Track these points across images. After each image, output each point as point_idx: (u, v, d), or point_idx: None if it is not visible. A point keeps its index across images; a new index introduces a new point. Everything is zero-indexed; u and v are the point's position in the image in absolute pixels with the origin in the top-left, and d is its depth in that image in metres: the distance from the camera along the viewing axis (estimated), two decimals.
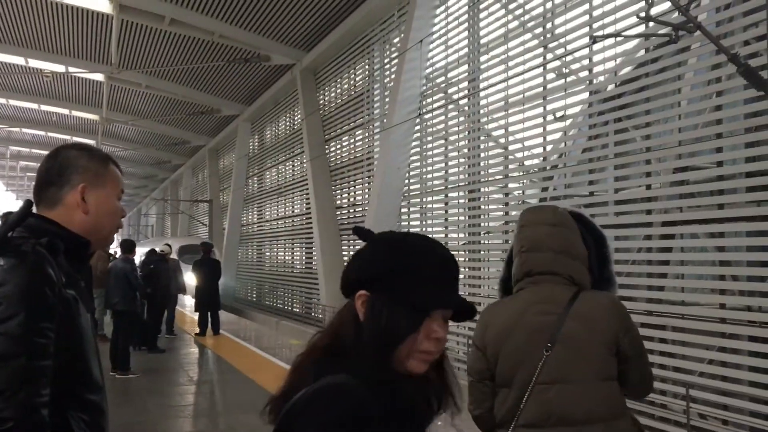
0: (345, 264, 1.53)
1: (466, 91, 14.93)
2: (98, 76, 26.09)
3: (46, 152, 2.28)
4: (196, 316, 15.01)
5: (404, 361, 1.42)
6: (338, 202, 21.69)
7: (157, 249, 14.63)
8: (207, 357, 11.84)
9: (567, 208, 2.73)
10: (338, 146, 21.94)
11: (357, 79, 20.63)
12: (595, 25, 11.11)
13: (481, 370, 2.56)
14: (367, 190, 19.29)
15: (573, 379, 2.33)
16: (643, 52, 10.25)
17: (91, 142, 33.23)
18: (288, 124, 27.28)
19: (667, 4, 6.96)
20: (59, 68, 24.99)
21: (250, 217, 32.68)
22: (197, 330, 14.68)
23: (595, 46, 10.97)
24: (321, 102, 23.15)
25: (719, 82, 8.79)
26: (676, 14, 6.53)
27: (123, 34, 21.33)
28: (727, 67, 7.96)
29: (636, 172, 10.32)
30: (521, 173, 13.31)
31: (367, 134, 19.65)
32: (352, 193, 21.09)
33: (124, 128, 35.54)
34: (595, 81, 11.33)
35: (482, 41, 14.25)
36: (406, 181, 17.07)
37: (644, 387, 2.55)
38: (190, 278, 16.82)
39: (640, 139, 10.17)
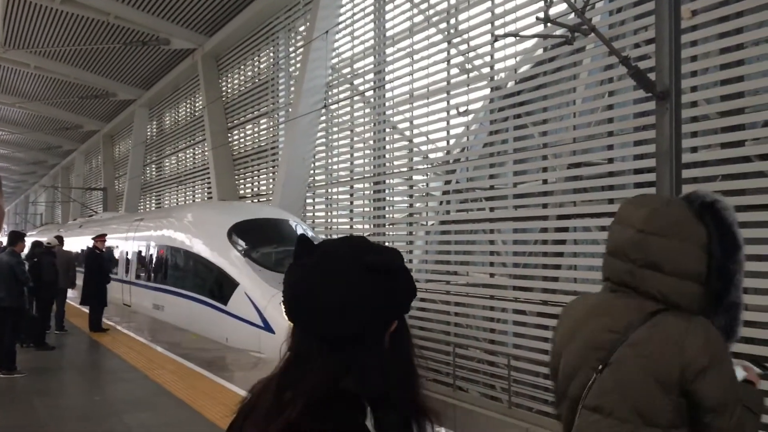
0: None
1: (371, 83, 14.99)
2: None
3: None
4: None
5: None
6: (241, 191, 21.28)
7: (44, 241, 13.88)
8: (100, 354, 11.35)
9: (699, 194, 2.09)
10: (242, 135, 21.52)
11: (261, 66, 20.27)
12: (496, 23, 11.41)
13: (554, 368, 2.22)
14: (271, 180, 19.04)
15: (612, 413, 1.96)
16: (541, 51, 10.63)
17: None
18: (189, 110, 26.47)
19: (565, 6, 7.23)
20: None
21: (147, 205, 31.54)
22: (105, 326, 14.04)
23: (496, 44, 11.27)
24: (224, 89, 22.60)
25: (611, 83, 9.24)
26: (572, 16, 6.81)
27: (9, 10, 19.98)
28: (618, 68, 8.36)
29: (533, 167, 10.71)
30: (426, 166, 13.52)
31: (271, 123, 19.38)
32: (256, 183, 20.75)
33: (11, 111, 33.42)
34: (496, 78, 11.64)
35: (388, 34, 14.33)
36: (312, 171, 16.96)
37: None
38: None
39: (538, 136, 10.56)
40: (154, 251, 16.23)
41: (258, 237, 12.89)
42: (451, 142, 12.87)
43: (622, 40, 8.99)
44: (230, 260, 12.20)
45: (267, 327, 10.72)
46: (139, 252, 17.31)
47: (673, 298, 1.98)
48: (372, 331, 1.21)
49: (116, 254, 18.89)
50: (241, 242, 12.59)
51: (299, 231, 13.04)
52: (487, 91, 11.83)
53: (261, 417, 1.20)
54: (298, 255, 1.27)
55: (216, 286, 12.44)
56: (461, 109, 12.27)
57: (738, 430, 1.91)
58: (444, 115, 12.69)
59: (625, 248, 2.06)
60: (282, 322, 10.00)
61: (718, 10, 7.92)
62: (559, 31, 8.68)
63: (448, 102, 12.56)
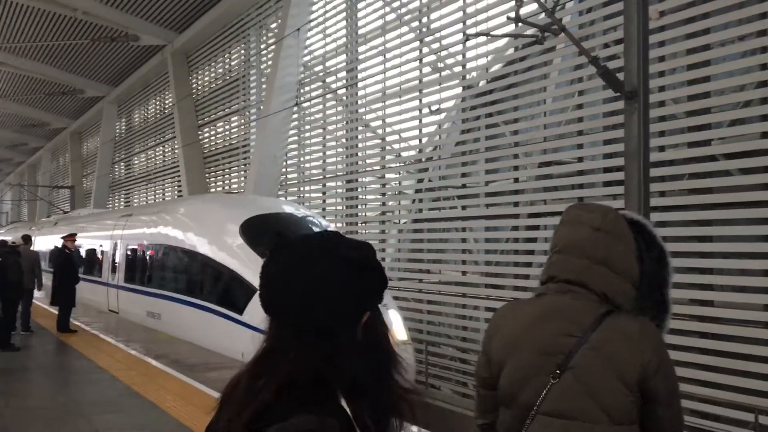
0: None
1: (344, 81, 14.95)
2: None
3: None
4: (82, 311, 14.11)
5: None
6: (212, 189, 21.08)
7: (9, 240, 13.58)
8: (68, 355, 11.15)
9: (627, 214, 2.27)
10: (213, 132, 21.31)
11: (232, 63, 20.11)
12: (468, 22, 11.45)
13: (484, 378, 2.21)
14: (243, 179, 18.89)
15: (581, 417, 1.98)
16: (512, 51, 10.70)
17: None
18: (158, 107, 26.13)
19: (535, 6, 7.29)
20: None
21: (116, 204, 31.08)
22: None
23: (468, 43, 11.32)
24: (194, 86, 22.36)
25: (581, 82, 9.33)
26: (543, 16, 6.87)
27: None
28: (588, 68, 8.45)
29: (505, 165, 10.77)
30: (398, 164, 13.53)
31: (243, 121, 19.23)
32: (228, 181, 20.58)
33: None
34: (468, 77, 11.69)
35: (360, 32, 14.30)
36: (284, 169, 16.87)
37: None
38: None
39: (509, 134, 10.63)
40: (148, 251, 14.05)
41: (277, 234, 10.74)
42: (424, 140, 12.90)
43: (591, 40, 9.09)
44: (246, 262, 10.21)
45: None
46: (129, 252, 15.13)
47: (618, 299, 2.08)
48: (346, 321, 1.25)
49: (99, 254, 17.12)
50: (258, 240, 10.41)
51: (317, 226, 11.20)
52: (459, 89, 11.88)
53: (236, 403, 1.23)
54: (275, 249, 1.31)
55: (228, 291, 10.55)
56: (433, 108, 12.31)
57: (679, 416, 2.07)
58: (416, 113, 12.71)
59: (583, 245, 2.11)
60: None
61: (685, 12, 8.05)
62: (530, 31, 8.73)
63: (420, 100, 12.58)
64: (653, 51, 7.25)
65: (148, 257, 14.05)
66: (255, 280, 8.37)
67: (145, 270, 14.06)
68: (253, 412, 1.18)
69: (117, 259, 15.79)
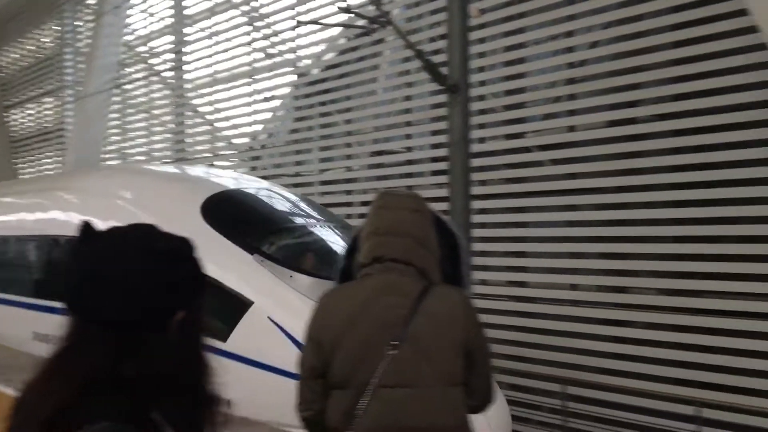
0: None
1: (170, 64, 14.25)
2: None
3: None
4: None
5: None
6: (22, 176, 19.28)
7: None
8: None
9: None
10: (23, 115, 19.48)
11: (45, 40, 18.45)
12: (300, 9, 11.34)
13: (314, 365, 2.20)
14: (58, 165, 17.45)
15: (419, 383, 2.11)
16: (345, 40, 10.76)
17: None
18: None
19: None
20: None
21: None
22: None
23: (301, 30, 11.23)
24: (0, 63, 20.29)
25: (409, 74, 9.59)
26: (372, 7, 6.98)
27: None
28: (415, 60, 8.71)
29: (338, 154, 10.85)
30: (230, 151, 13.16)
31: (58, 102, 17.73)
32: (39, 167, 18.89)
33: None
34: (301, 64, 11.60)
35: (187, 12, 13.67)
36: (104, 155, 15.77)
37: (486, 396, 2.32)
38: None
39: (342, 123, 10.71)
40: (30, 246, 9.30)
41: (260, 219, 6.85)
42: (258, 128, 12.65)
43: (419, 33, 9.34)
44: (232, 262, 6.09)
45: None
46: None
47: (432, 275, 2.26)
48: (153, 317, 1.18)
49: None
50: (238, 229, 6.40)
51: (307, 206, 7.48)
52: (294, 77, 11.76)
53: (29, 407, 1.14)
54: (82, 240, 1.21)
55: None
56: (266, 95, 12.09)
57: (491, 374, 2.36)
58: (248, 99, 12.42)
59: (406, 226, 2.27)
60: None
61: (504, 10, 8.53)
62: (361, 22, 8.84)
63: (252, 87, 12.30)
64: (475, 47, 7.62)
65: (32, 254, 9.32)
66: (252, 290, 5.94)
67: (28, 273, 9.35)
68: (47, 417, 1.08)
69: None
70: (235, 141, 13.04)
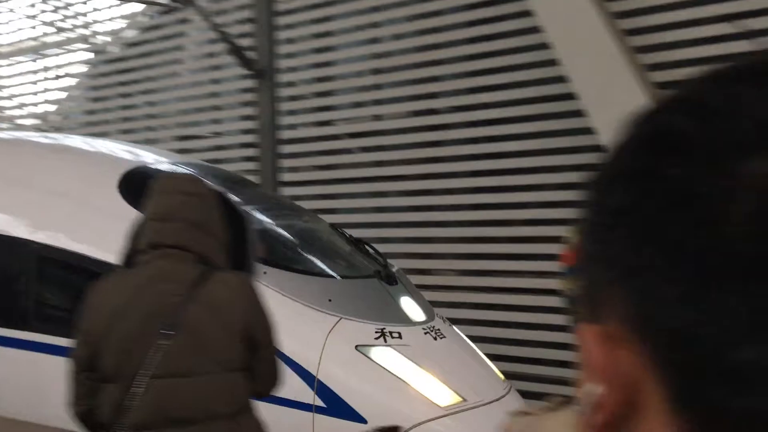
0: None
1: None
2: None
3: None
4: None
5: None
6: None
7: None
8: None
9: (210, 185, 2.45)
10: None
11: None
12: None
13: (82, 358, 2.12)
14: None
15: (193, 371, 2.06)
16: (147, 18, 10.13)
17: None
18: None
19: None
20: None
21: None
22: None
23: (96, 4, 10.41)
24: None
25: (216, 57, 9.27)
26: None
27: None
28: (222, 43, 8.44)
29: (141, 138, 10.23)
30: (15, 133, 11.89)
31: None
32: None
33: None
34: (96, 41, 10.75)
35: None
36: None
37: (272, 380, 2.31)
38: None
39: (144, 106, 10.12)
40: None
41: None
42: (49, 108, 11.55)
43: (226, 15, 9.05)
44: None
45: (336, 408, 3.76)
46: None
47: (214, 259, 2.23)
48: None
49: None
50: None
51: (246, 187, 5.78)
52: (90, 55, 10.88)
53: None
54: None
55: None
56: (58, 73, 11.08)
57: (276, 358, 2.32)
58: (36, 76, 11.30)
59: (179, 210, 2.20)
60: (381, 395, 3.83)
61: None
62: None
63: (41, 63, 11.21)
64: (283, 32, 7.54)
65: None
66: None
67: None
68: None
69: None
70: (22, 122, 11.81)
